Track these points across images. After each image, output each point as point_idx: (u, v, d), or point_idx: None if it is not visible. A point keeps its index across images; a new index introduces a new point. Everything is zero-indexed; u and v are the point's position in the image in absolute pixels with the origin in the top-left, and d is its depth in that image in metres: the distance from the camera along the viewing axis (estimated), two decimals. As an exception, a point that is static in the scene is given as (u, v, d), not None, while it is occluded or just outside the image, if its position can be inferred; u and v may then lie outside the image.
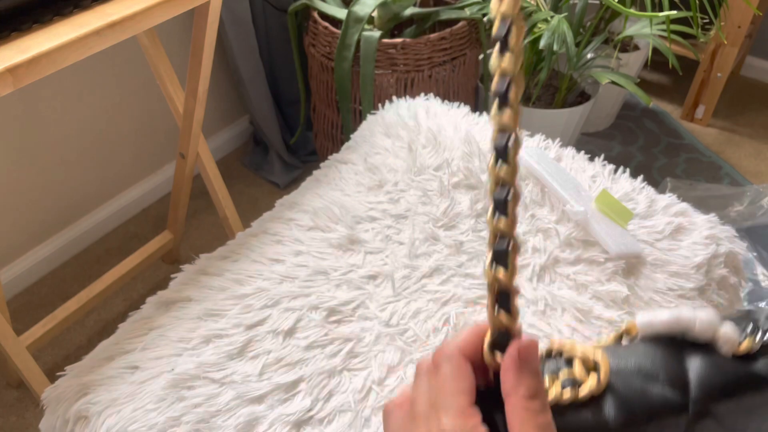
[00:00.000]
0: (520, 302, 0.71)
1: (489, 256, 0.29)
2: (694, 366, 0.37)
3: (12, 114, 1.26)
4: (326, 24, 1.39)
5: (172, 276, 0.77)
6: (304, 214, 0.83)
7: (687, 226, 0.82)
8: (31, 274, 1.45)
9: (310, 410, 0.62)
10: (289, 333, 0.68)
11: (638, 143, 1.91)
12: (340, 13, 1.38)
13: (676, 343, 0.38)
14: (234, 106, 1.81)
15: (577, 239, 0.78)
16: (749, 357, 0.38)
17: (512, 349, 0.28)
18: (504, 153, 0.28)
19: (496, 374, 0.29)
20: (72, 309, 1.19)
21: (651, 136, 1.94)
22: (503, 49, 0.28)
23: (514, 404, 0.27)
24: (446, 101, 1.03)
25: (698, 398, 0.36)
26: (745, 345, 0.38)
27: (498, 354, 0.29)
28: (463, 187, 0.87)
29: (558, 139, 0.97)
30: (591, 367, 0.34)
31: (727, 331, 0.37)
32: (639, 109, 2.04)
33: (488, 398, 0.30)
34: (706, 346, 0.38)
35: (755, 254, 1.47)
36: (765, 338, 0.38)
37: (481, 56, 1.54)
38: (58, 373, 0.69)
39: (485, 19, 1.40)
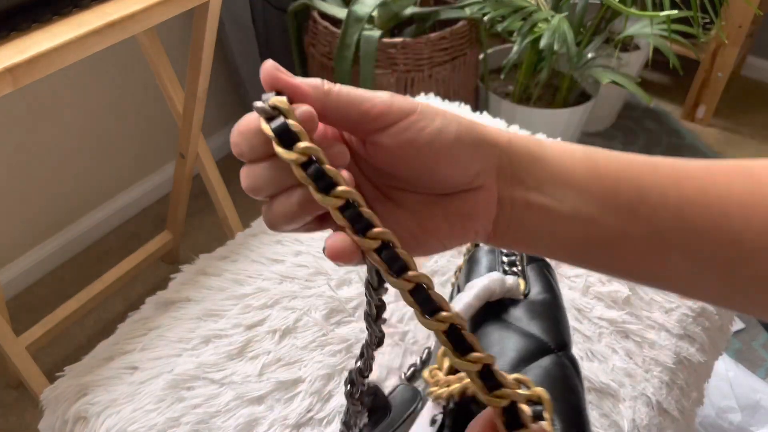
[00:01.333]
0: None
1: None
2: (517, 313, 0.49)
3: (11, 114, 1.26)
4: (326, 24, 1.39)
5: (172, 276, 0.77)
6: (303, 214, 0.83)
7: (688, 226, 0.82)
8: (31, 275, 1.45)
9: (309, 411, 0.62)
10: (289, 333, 0.68)
11: (639, 143, 1.91)
12: (340, 12, 1.38)
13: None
14: (234, 106, 1.81)
15: (577, 239, 0.78)
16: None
17: None
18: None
19: None
20: (71, 309, 1.19)
21: (652, 135, 1.94)
22: None
23: None
24: (446, 101, 1.03)
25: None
26: (523, 286, 0.52)
27: None
28: (463, 187, 0.86)
29: (559, 139, 0.96)
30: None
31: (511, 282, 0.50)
32: (640, 109, 2.04)
33: None
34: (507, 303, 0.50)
35: (756, 254, 1.47)
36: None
37: (481, 56, 1.54)
38: (58, 374, 0.68)
39: (485, 18, 1.40)
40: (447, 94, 1.45)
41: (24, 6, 0.66)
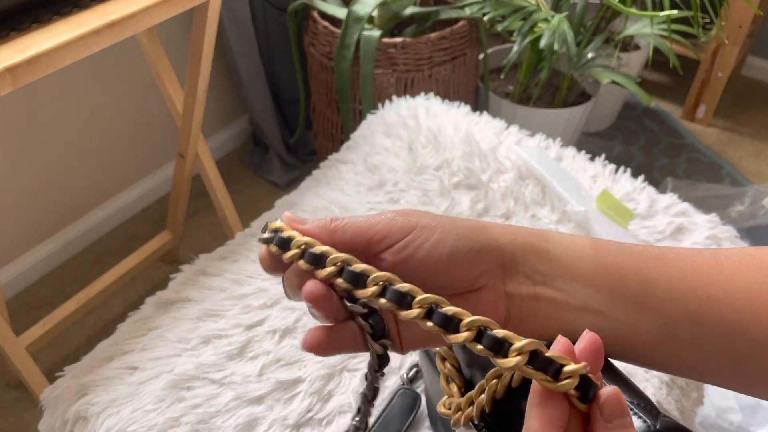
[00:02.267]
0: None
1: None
2: None
3: (11, 114, 1.26)
4: (326, 23, 1.39)
5: (172, 276, 0.77)
6: (303, 214, 0.83)
7: (688, 226, 0.82)
8: (30, 275, 1.44)
9: (309, 411, 0.61)
10: (289, 333, 0.68)
11: (639, 143, 1.91)
12: (340, 12, 1.38)
13: None
14: (233, 106, 1.81)
15: (577, 239, 0.78)
16: None
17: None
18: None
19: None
20: (71, 309, 1.19)
21: (652, 135, 1.94)
22: None
23: None
24: (446, 101, 1.03)
25: None
26: None
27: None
28: (463, 187, 0.86)
29: (558, 139, 0.96)
30: None
31: None
32: (640, 109, 2.04)
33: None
34: None
35: (756, 254, 1.47)
36: None
37: (481, 56, 1.54)
38: (57, 374, 0.68)
39: (485, 18, 1.40)
40: (447, 94, 1.45)
41: (24, 6, 0.66)
